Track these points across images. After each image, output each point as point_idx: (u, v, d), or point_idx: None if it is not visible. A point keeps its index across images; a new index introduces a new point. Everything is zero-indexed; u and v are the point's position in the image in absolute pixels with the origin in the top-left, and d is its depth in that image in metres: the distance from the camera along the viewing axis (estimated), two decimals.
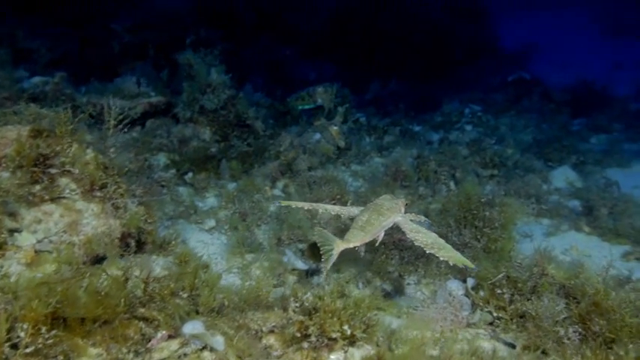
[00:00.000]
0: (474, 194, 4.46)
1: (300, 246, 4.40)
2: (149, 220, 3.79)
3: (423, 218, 3.58)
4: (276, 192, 5.53)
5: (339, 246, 3.10)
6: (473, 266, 3.04)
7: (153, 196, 3.86)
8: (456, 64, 15.53)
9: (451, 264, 3.00)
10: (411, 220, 3.45)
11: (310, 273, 4.00)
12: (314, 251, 4.28)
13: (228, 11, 11.78)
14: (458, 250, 3.22)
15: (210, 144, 6.32)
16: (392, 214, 3.40)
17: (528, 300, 3.38)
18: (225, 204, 5.01)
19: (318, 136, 6.34)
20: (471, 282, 3.60)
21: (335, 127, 6.46)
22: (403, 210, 3.54)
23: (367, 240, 3.25)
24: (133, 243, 3.67)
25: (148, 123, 6.65)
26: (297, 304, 2.95)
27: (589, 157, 7.40)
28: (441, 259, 3.05)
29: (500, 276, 3.53)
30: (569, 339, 2.88)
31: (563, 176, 6.68)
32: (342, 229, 4.67)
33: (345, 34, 15.25)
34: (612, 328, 2.75)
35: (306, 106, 7.93)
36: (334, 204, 4.85)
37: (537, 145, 7.81)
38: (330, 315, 2.80)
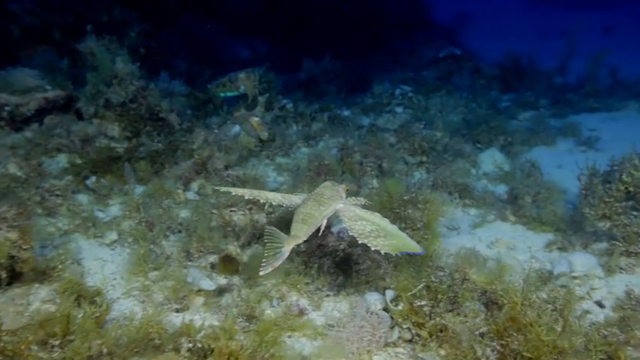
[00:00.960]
0: (395, 192, 4.22)
1: (211, 259, 4.01)
2: (25, 246, 3.28)
3: (363, 201, 3.53)
4: (190, 195, 5.07)
5: (290, 243, 2.99)
6: (420, 250, 2.99)
7: (29, 218, 3.32)
8: (388, 38, 15.31)
9: (382, 252, 2.93)
10: (354, 205, 3.38)
11: (219, 291, 3.63)
12: (226, 264, 3.92)
13: None
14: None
15: (120, 142, 5.74)
16: (333, 202, 3.34)
17: (450, 311, 3.19)
18: (129, 213, 4.52)
19: (237, 128, 5.88)
20: (390, 294, 3.36)
21: (256, 118, 6.03)
22: (344, 196, 3.48)
23: (310, 232, 3.16)
24: (3, 275, 3.16)
25: (47, 120, 5.95)
26: (190, 345, 2.60)
27: (516, 137, 7.38)
28: (373, 248, 2.97)
29: (420, 286, 3.31)
30: (487, 359, 2.70)
31: (491, 159, 6.61)
32: (257, 235, 4.33)
33: (277, 7, 14.61)
34: (530, 347, 2.59)
35: (229, 94, 7.41)
36: (249, 208, 4.52)
37: (467, 126, 7.71)
38: (225, 357, 2.46)
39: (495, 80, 11.52)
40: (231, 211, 4.44)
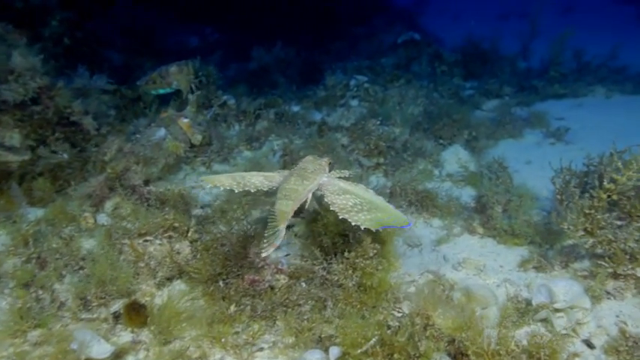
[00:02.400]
0: None
1: (115, 307, 3.20)
2: None
3: (348, 173, 3.35)
4: (102, 219, 4.20)
5: (282, 221, 2.86)
6: (407, 223, 2.86)
7: None
8: (345, 23, 14.54)
9: (362, 228, 2.83)
10: (338, 178, 3.25)
11: (120, 355, 2.83)
12: (131, 315, 3.12)
13: None
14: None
15: (20, 153, 4.78)
16: (316, 176, 3.20)
17: None
18: (14, 248, 3.63)
19: (162, 132, 5.00)
20: (334, 352, 2.65)
21: (185, 120, 5.16)
22: (328, 169, 3.32)
23: (295, 208, 3.00)
24: None
25: None
26: None
27: (481, 130, 6.78)
28: (353, 224, 2.86)
29: (372, 342, 2.62)
30: None
31: (455, 157, 5.98)
32: (178, 269, 3.53)
33: None
34: None
35: (161, 91, 6.47)
36: (168, 237, 3.71)
37: (428, 119, 7.04)
38: None
39: (457, 66, 10.93)
40: (145, 240, 3.63)
